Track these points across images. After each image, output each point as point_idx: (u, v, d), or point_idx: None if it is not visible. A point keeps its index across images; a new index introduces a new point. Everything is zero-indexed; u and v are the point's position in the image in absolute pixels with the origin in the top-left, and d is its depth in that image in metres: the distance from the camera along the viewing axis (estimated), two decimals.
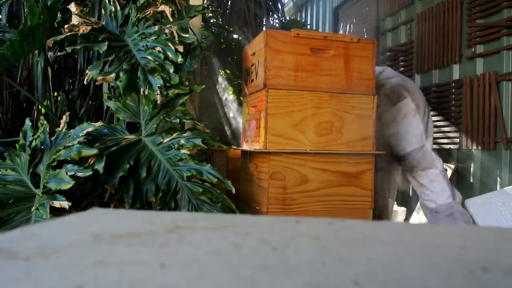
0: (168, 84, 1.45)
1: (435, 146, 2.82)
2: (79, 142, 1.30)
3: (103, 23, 1.61)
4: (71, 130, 1.40)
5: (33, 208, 1.24)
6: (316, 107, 1.57)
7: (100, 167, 1.30)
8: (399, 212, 3.10)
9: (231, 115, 2.70)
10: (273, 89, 1.53)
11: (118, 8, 1.65)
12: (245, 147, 1.79)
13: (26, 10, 1.75)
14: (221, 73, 2.85)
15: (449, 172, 2.64)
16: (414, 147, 2.06)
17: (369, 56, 1.65)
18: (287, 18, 3.71)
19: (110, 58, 1.46)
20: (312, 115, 1.56)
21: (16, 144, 1.45)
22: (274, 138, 1.52)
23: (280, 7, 3.77)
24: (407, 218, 3.10)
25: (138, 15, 1.59)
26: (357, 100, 1.62)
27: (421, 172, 2.07)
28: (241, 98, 1.90)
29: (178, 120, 1.52)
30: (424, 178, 2.07)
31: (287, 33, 1.57)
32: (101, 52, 1.46)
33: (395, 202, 3.06)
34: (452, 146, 2.64)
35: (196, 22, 2.18)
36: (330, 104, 1.58)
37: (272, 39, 1.54)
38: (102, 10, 1.67)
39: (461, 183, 2.59)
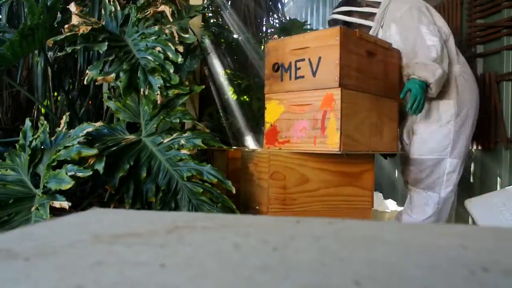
0: (168, 84, 1.45)
1: None
2: (79, 142, 1.30)
3: (103, 23, 1.62)
4: (71, 130, 1.40)
5: (33, 208, 1.24)
6: (369, 109, 1.61)
7: (100, 167, 1.30)
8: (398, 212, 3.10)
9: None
10: (346, 89, 1.50)
11: (118, 8, 1.65)
12: (282, 146, 1.66)
13: (26, 10, 1.75)
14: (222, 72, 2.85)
15: None
16: (431, 157, 1.86)
17: (396, 64, 1.79)
18: (287, 18, 3.70)
19: (110, 58, 1.46)
20: (367, 117, 1.60)
21: (16, 144, 1.45)
22: (346, 139, 1.49)
23: (280, 7, 3.77)
24: None
25: (138, 15, 1.59)
26: (390, 104, 1.75)
27: (419, 190, 1.90)
28: (266, 94, 1.73)
29: (178, 120, 1.52)
30: (420, 199, 1.89)
31: (353, 32, 1.57)
32: (101, 52, 1.46)
33: (395, 202, 3.06)
34: None
35: (196, 22, 2.18)
36: (377, 107, 1.65)
37: (346, 37, 1.50)
38: (102, 10, 1.67)
39: (461, 183, 2.59)
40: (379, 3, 1.98)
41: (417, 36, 1.78)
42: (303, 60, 1.59)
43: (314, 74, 1.55)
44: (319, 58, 1.53)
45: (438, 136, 1.84)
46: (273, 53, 1.70)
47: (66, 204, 1.20)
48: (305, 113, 1.59)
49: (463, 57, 1.97)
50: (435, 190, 1.87)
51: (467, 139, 1.90)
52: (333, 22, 2.05)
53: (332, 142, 1.48)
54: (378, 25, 1.97)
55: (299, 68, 1.60)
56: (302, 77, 1.59)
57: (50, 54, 2.09)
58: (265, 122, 1.71)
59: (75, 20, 1.50)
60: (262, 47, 2.95)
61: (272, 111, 1.70)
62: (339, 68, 1.46)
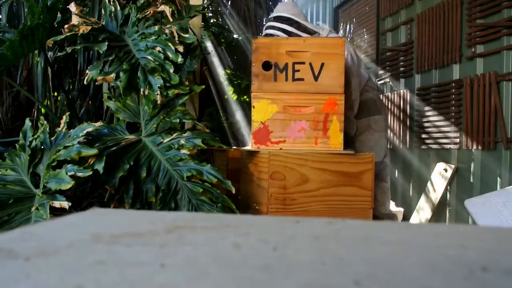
0: (168, 84, 1.45)
1: (436, 146, 2.82)
2: (79, 142, 1.30)
3: (103, 23, 1.62)
4: (71, 130, 1.40)
5: (33, 208, 1.24)
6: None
7: (100, 167, 1.30)
8: (398, 212, 3.10)
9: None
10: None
11: (118, 8, 1.65)
12: (275, 146, 1.65)
13: (26, 10, 1.75)
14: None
15: (450, 172, 2.64)
16: (377, 160, 2.10)
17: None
18: None
19: (110, 58, 1.46)
20: None
21: (16, 144, 1.45)
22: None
23: None
24: (407, 218, 3.11)
25: (138, 15, 1.59)
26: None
27: (375, 182, 2.15)
28: (253, 92, 1.66)
29: (178, 120, 1.52)
30: (376, 188, 2.13)
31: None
32: (101, 52, 1.46)
33: (394, 203, 3.06)
34: (452, 146, 2.64)
35: (196, 22, 2.18)
36: None
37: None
38: (102, 10, 1.67)
39: (461, 183, 2.59)
40: (316, 33, 2.10)
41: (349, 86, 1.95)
42: (302, 63, 1.62)
43: (315, 78, 1.60)
44: (322, 64, 1.59)
45: (380, 143, 2.18)
46: (263, 51, 1.68)
47: (66, 204, 1.20)
48: (302, 114, 1.62)
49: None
50: (386, 180, 2.24)
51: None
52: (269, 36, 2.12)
53: (335, 143, 1.57)
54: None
55: (298, 70, 1.63)
56: (302, 79, 1.62)
57: (50, 54, 2.09)
58: (252, 121, 1.68)
59: (75, 20, 1.50)
60: None
61: (262, 110, 1.68)
62: (343, 76, 1.56)
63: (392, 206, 2.89)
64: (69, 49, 1.49)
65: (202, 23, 2.45)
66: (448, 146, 2.70)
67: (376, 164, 2.02)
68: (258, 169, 1.62)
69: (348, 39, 4.36)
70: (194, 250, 0.29)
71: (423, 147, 2.95)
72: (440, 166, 2.73)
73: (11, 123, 2.30)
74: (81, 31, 1.45)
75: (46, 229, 0.35)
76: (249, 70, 1.89)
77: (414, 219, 2.96)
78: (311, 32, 2.09)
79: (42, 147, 1.41)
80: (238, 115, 2.76)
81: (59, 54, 1.88)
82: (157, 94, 1.40)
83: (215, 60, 2.79)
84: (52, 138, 1.41)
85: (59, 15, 1.62)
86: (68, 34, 1.43)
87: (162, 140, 1.51)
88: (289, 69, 1.64)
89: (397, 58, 3.31)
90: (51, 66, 2.09)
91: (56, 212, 1.22)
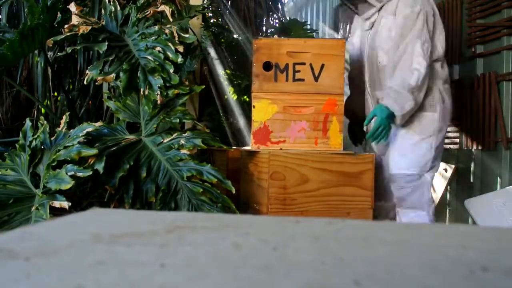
0: (168, 84, 1.45)
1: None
2: (79, 142, 1.30)
3: (103, 23, 1.61)
4: (71, 130, 1.40)
5: (33, 208, 1.24)
6: None
7: (100, 167, 1.30)
8: None
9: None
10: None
11: (118, 8, 1.65)
12: (275, 146, 1.64)
13: (26, 10, 1.75)
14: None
15: (449, 172, 2.64)
16: (411, 172, 1.71)
17: None
18: (287, 18, 3.70)
19: (110, 58, 1.46)
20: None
21: (16, 144, 1.44)
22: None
23: (280, 7, 3.77)
24: None
25: (138, 15, 1.59)
26: None
27: (406, 210, 1.75)
28: (254, 92, 1.65)
29: (178, 120, 1.52)
30: (409, 220, 1.72)
31: None
32: (101, 52, 1.46)
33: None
34: (452, 146, 2.64)
35: (196, 22, 2.18)
36: None
37: None
38: (102, 10, 1.67)
39: (461, 183, 2.59)
40: None
41: (406, 50, 1.67)
42: (303, 64, 1.63)
43: (316, 79, 1.61)
44: (322, 65, 1.60)
45: (419, 150, 1.70)
46: (264, 51, 1.68)
47: (66, 204, 1.20)
48: (302, 114, 1.62)
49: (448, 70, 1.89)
50: (424, 209, 1.72)
51: (441, 155, 1.83)
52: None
53: (335, 143, 1.58)
54: (378, 5, 1.78)
55: (299, 71, 1.63)
56: (302, 80, 1.63)
57: (50, 54, 2.09)
58: (252, 121, 1.68)
59: (75, 20, 1.50)
60: None
61: (262, 110, 1.68)
62: (343, 76, 1.58)
63: None
64: (69, 49, 1.49)
65: (202, 23, 2.45)
66: (448, 146, 2.70)
67: (401, 177, 1.75)
68: (258, 169, 1.62)
69: (347, 40, 4.35)
70: (194, 250, 0.29)
71: None
72: (440, 166, 2.73)
73: (11, 123, 2.30)
74: (81, 31, 1.45)
75: (46, 229, 0.35)
76: (249, 70, 1.88)
77: None
78: None
79: (42, 147, 1.41)
80: (238, 115, 2.76)
81: (59, 54, 1.88)
82: (157, 94, 1.40)
83: (215, 60, 2.79)
84: (52, 138, 1.41)
85: (59, 15, 1.62)
86: (68, 34, 1.43)
87: (162, 140, 1.51)
88: (289, 69, 1.65)
89: None
90: (51, 66, 2.09)
91: (56, 212, 1.22)
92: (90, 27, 1.47)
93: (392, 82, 1.68)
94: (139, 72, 1.44)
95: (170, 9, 1.63)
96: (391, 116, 1.63)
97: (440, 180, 2.74)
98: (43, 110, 2.25)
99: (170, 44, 1.48)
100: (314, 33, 3.25)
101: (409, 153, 1.72)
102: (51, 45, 1.63)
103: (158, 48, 1.47)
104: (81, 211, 0.41)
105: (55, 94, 2.31)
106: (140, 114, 1.62)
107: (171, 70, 1.44)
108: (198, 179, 1.42)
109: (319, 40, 1.80)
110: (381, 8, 1.78)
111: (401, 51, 1.69)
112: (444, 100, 1.77)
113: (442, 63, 1.82)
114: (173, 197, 1.42)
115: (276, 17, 3.69)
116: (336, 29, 4.72)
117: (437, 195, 2.76)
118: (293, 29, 3.04)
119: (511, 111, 2.19)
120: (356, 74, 1.95)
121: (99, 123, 1.47)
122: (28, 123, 1.45)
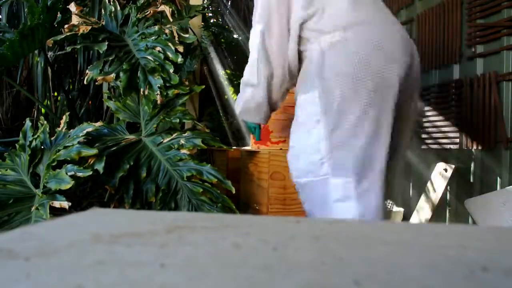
0: (168, 84, 1.45)
1: (436, 146, 2.82)
2: (79, 142, 1.30)
3: (103, 23, 1.62)
4: (71, 130, 1.40)
5: (33, 208, 1.24)
6: None
7: (100, 167, 1.30)
8: (397, 212, 3.10)
9: None
10: None
11: (118, 8, 1.65)
12: (275, 146, 1.66)
13: (26, 10, 1.75)
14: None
15: (450, 172, 2.64)
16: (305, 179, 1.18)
17: None
18: None
19: (110, 58, 1.46)
20: None
21: (16, 144, 1.45)
22: None
23: None
24: (407, 218, 3.11)
25: (138, 15, 1.59)
26: None
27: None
28: None
29: (178, 120, 1.52)
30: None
31: None
32: (101, 52, 1.46)
33: (394, 203, 3.06)
34: (452, 146, 2.64)
35: (196, 22, 2.18)
36: None
37: None
38: (102, 10, 1.67)
39: (461, 183, 2.59)
40: None
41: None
42: None
43: None
44: None
45: (308, 147, 1.14)
46: None
47: (66, 204, 1.20)
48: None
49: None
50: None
51: (366, 139, 1.07)
52: None
53: None
54: None
55: None
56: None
57: (50, 54, 2.09)
58: None
59: (75, 20, 1.50)
60: None
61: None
62: None
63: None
64: (69, 48, 1.49)
65: (202, 23, 2.45)
66: (448, 146, 2.70)
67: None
68: (258, 169, 1.62)
69: None
70: (194, 250, 0.29)
71: (423, 147, 2.95)
72: (440, 166, 2.73)
73: (11, 123, 2.30)
74: (81, 31, 1.45)
75: (46, 229, 0.35)
76: None
77: (414, 219, 2.96)
78: None
79: (42, 147, 1.41)
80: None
81: (59, 53, 1.88)
82: (157, 94, 1.40)
83: (215, 60, 2.79)
84: (52, 138, 1.41)
85: (59, 15, 1.62)
86: (68, 34, 1.43)
87: (162, 140, 1.51)
88: None
89: None
90: (51, 66, 2.09)
91: (56, 212, 1.22)
92: (90, 27, 1.47)
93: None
94: (139, 72, 1.44)
95: (170, 9, 1.63)
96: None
97: (440, 180, 2.75)
98: (43, 110, 2.26)
99: (170, 44, 1.48)
100: None
101: (299, 154, 1.25)
102: (51, 45, 1.63)
103: (158, 48, 1.47)
104: (81, 211, 0.41)
105: (55, 94, 2.31)
106: (140, 114, 1.62)
107: (171, 70, 1.44)
108: (198, 179, 1.42)
109: None
110: None
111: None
112: (325, 67, 1.17)
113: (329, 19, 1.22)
114: (173, 197, 1.42)
115: None
116: None
117: (437, 195, 2.76)
118: None
119: (511, 111, 2.19)
120: None
121: (99, 123, 1.47)
122: (28, 123, 1.45)
